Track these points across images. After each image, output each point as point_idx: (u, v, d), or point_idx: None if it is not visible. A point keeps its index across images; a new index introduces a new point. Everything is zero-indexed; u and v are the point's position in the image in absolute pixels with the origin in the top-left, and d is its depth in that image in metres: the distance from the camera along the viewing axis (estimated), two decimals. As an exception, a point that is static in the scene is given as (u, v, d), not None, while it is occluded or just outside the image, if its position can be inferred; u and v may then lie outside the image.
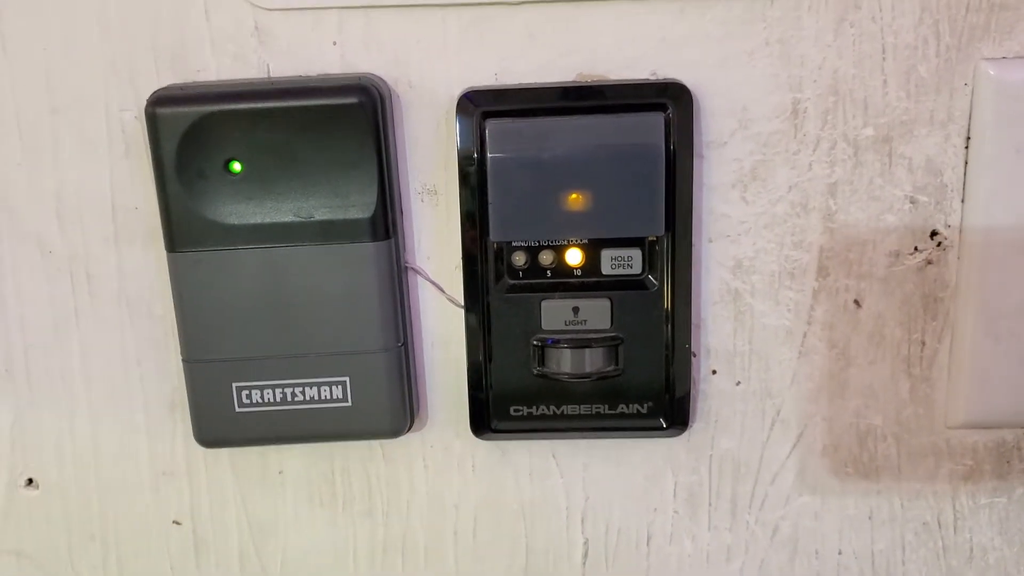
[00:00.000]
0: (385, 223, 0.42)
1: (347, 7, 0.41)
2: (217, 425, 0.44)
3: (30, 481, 0.48)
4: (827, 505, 0.48)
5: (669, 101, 0.41)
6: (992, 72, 0.41)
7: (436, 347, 0.46)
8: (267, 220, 0.42)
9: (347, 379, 0.44)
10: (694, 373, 0.45)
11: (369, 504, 0.48)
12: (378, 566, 0.49)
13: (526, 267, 0.43)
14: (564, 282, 0.43)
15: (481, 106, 0.41)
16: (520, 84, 0.42)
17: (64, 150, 0.44)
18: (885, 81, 0.42)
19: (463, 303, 0.44)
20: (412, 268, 0.45)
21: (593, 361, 0.43)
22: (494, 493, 0.48)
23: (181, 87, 0.42)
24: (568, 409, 0.44)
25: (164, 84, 0.42)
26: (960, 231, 0.43)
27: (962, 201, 0.43)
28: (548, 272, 0.43)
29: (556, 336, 0.43)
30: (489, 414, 0.45)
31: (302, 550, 0.49)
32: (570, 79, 0.42)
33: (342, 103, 0.40)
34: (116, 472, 0.48)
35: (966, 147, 0.43)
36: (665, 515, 0.48)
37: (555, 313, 0.43)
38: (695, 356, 0.45)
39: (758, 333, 0.45)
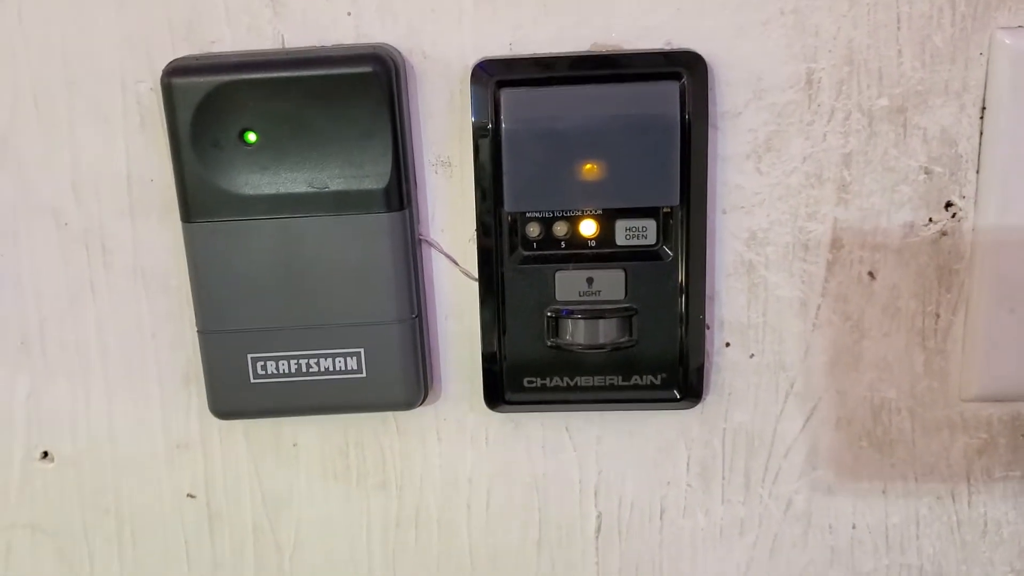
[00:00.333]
0: (400, 194, 0.42)
1: (361, -23, 0.42)
2: (232, 396, 0.44)
3: (45, 454, 0.48)
4: (841, 479, 0.47)
5: (684, 71, 0.41)
6: (1008, 41, 0.41)
7: (450, 319, 0.46)
8: (282, 190, 0.42)
9: (361, 350, 0.44)
10: (708, 345, 0.45)
11: (383, 477, 0.48)
12: (391, 539, 0.49)
13: (540, 238, 0.43)
14: (578, 253, 0.43)
15: (495, 76, 0.41)
16: (534, 54, 0.42)
17: (79, 122, 0.44)
18: (900, 51, 0.42)
19: (476, 276, 0.44)
20: (426, 240, 0.45)
21: (607, 332, 0.43)
22: (508, 466, 0.48)
23: (196, 58, 0.42)
24: (582, 380, 0.44)
25: (179, 55, 0.42)
26: (975, 202, 0.43)
27: (977, 172, 0.43)
28: (562, 243, 0.43)
29: (570, 307, 0.43)
30: (503, 386, 0.45)
31: (316, 523, 0.49)
32: (584, 49, 0.42)
33: (357, 72, 0.40)
34: (130, 445, 0.48)
35: (981, 117, 0.42)
36: (678, 488, 0.48)
37: (569, 284, 0.43)
38: (709, 328, 0.45)
39: (772, 305, 0.45)
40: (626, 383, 0.44)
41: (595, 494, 0.48)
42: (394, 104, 0.41)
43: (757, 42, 0.42)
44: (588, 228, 0.43)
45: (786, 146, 0.43)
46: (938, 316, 0.45)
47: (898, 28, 0.42)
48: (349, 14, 0.42)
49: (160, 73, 0.42)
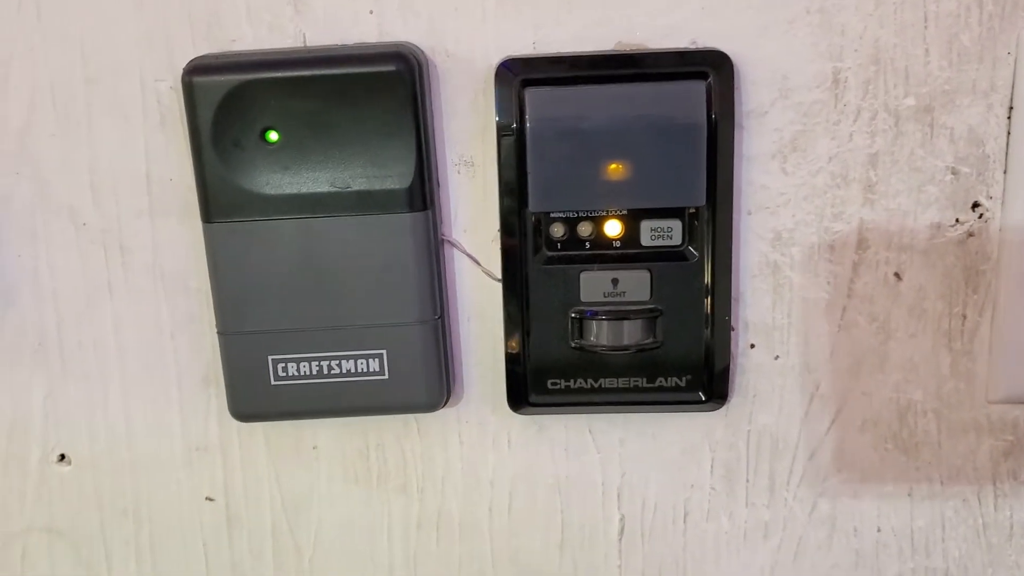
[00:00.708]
0: (423, 194, 0.42)
1: (384, -25, 0.41)
2: (252, 399, 0.44)
3: (62, 457, 0.48)
4: (866, 481, 0.47)
5: (710, 70, 0.41)
6: (1037, 39, 0.41)
7: (472, 320, 0.45)
8: (303, 190, 0.41)
9: (384, 352, 0.43)
10: (732, 347, 0.45)
11: (404, 480, 0.48)
12: (412, 542, 0.49)
13: (564, 238, 0.43)
14: (603, 253, 0.43)
15: (520, 75, 0.41)
16: (558, 53, 0.42)
17: (98, 121, 0.43)
18: (927, 50, 0.41)
19: (499, 276, 0.44)
20: (448, 241, 0.44)
21: (632, 333, 0.43)
22: (530, 468, 0.47)
23: (217, 56, 0.42)
24: (606, 382, 0.44)
25: (199, 54, 0.42)
26: (1002, 203, 0.43)
27: (1004, 172, 0.43)
28: (587, 243, 0.43)
29: (595, 308, 0.43)
30: (527, 388, 0.44)
31: (336, 526, 0.48)
32: (608, 48, 0.42)
33: (380, 71, 0.40)
34: (149, 447, 0.48)
35: (1008, 117, 0.42)
36: (702, 491, 0.47)
37: (594, 285, 0.43)
38: (733, 330, 0.45)
39: (797, 306, 0.45)
40: (651, 385, 0.44)
41: (618, 496, 0.48)
42: (417, 103, 0.41)
43: (783, 41, 0.42)
44: (613, 228, 0.42)
45: (812, 146, 0.43)
46: (964, 317, 0.45)
47: (925, 27, 0.41)
48: (371, 12, 0.42)
49: (180, 71, 0.41)
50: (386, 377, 0.44)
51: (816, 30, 0.41)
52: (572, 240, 0.43)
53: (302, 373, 0.43)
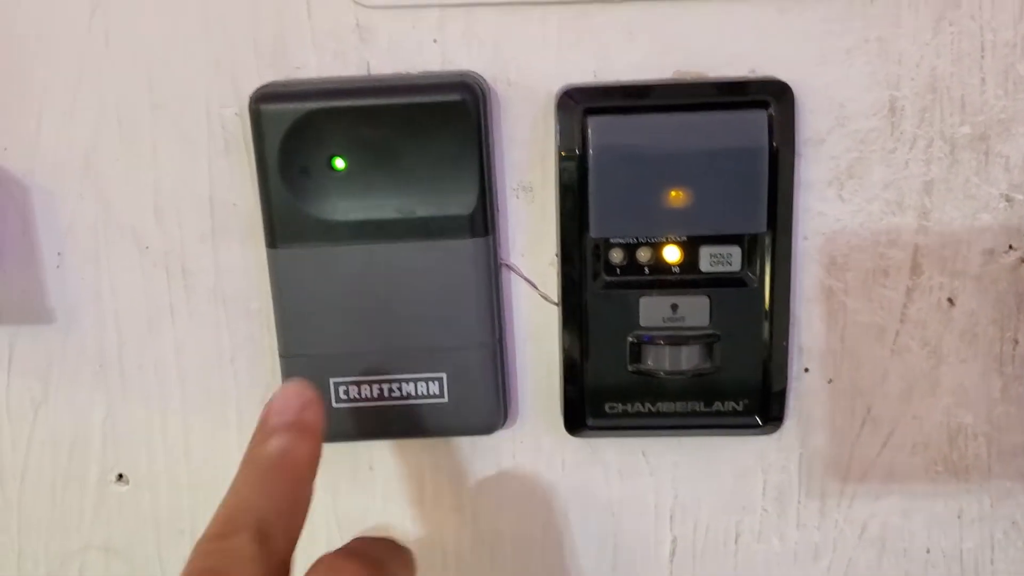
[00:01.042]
0: (484, 220, 0.42)
1: (449, 5, 0.42)
2: (314, 421, 0.44)
3: (120, 476, 0.48)
4: (916, 504, 0.47)
5: (771, 99, 0.41)
6: (1093, 70, 0.41)
7: (528, 343, 0.46)
8: (369, 216, 0.42)
9: (444, 375, 0.44)
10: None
11: (458, 500, 0.48)
12: (466, 563, 0.49)
13: (624, 264, 0.43)
14: (662, 279, 0.43)
15: (583, 103, 0.41)
16: (619, 81, 0.42)
17: (163, 146, 0.44)
18: (983, 79, 0.42)
19: (555, 300, 0.44)
20: (506, 265, 0.45)
21: (690, 358, 0.43)
22: (583, 490, 0.48)
23: (284, 84, 0.42)
24: (663, 406, 0.44)
25: (264, 81, 0.43)
26: (1055, 229, 0.44)
27: (1058, 199, 0.43)
28: (645, 269, 0.43)
29: (653, 333, 0.43)
30: (584, 411, 0.45)
31: (391, 546, 0.49)
32: (667, 76, 0.42)
33: (447, 100, 0.41)
34: (206, 468, 0.48)
35: (1063, 145, 0.43)
36: (754, 513, 0.48)
37: (653, 310, 0.43)
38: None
39: (850, 331, 0.45)
40: (708, 409, 0.44)
41: (670, 518, 0.48)
42: (481, 132, 0.41)
43: (840, 69, 0.42)
44: (672, 254, 0.43)
45: (868, 173, 0.43)
46: (1016, 342, 0.45)
47: (982, 57, 0.42)
48: (435, 41, 0.42)
49: (245, 98, 0.42)
50: (445, 400, 0.44)
51: (874, 59, 0.42)
52: (631, 266, 0.43)
53: (363, 396, 0.44)
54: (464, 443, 0.47)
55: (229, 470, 0.47)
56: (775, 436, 0.46)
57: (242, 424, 0.47)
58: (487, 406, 0.44)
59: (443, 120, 0.41)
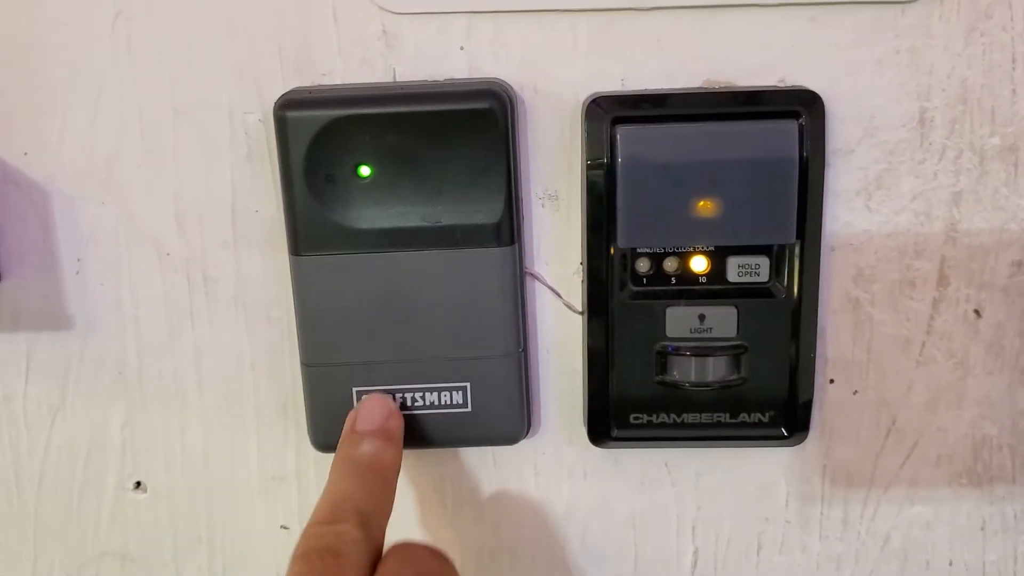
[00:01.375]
0: (510, 228, 0.42)
1: (476, 11, 0.41)
2: (336, 430, 0.43)
3: (138, 484, 0.48)
4: (939, 515, 0.47)
5: (801, 108, 0.41)
6: (1126, 82, 0.41)
7: (551, 353, 0.46)
8: (394, 224, 0.41)
9: (468, 384, 0.43)
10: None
11: (478, 511, 0.48)
12: (486, 572, 0.49)
13: (650, 274, 0.43)
14: (689, 289, 0.43)
15: (611, 112, 0.41)
16: (647, 90, 0.42)
17: (185, 152, 0.43)
18: (1014, 90, 0.42)
19: (580, 309, 0.44)
20: (531, 273, 0.44)
21: (717, 369, 0.43)
22: (605, 501, 0.47)
23: (309, 90, 0.42)
24: (689, 417, 0.44)
25: (289, 87, 0.42)
26: (1084, 242, 0.43)
27: (1087, 211, 0.43)
28: (672, 279, 0.43)
29: (679, 344, 0.43)
30: (609, 422, 0.44)
31: (411, 556, 0.48)
32: (696, 85, 0.42)
33: (474, 108, 0.40)
34: (225, 476, 0.48)
35: (1092, 157, 0.42)
36: (776, 525, 0.48)
37: (681, 320, 0.43)
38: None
39: (876, 342, 0.45)
40: (733, 420, 0.44)
41: (692, 530, 0.48)
42: (508, 140, 0.41)
43: (871, 80, 0.42)
44: (699, 264, 0.42)
45: (896, 184, 0.43)
46: (1042, 355, 0.45)
47: (1013, 68, 0.41)
48: (462, 48, 0.42)
49: (269, 104, 0.41)
50: (469, 410, 0.44)
51: (904, 70, 0.42)
52: (658, 275, 0.43)
53: (386, 405, 0.44)
54: (486, 452, 0.47)
55: (248, 479, 0.47)
56: (799, 447, 0.46)
57: (261, 431, 0.47)
58: (511, 416, 0.44)
59: (470, 128, 0.40)
